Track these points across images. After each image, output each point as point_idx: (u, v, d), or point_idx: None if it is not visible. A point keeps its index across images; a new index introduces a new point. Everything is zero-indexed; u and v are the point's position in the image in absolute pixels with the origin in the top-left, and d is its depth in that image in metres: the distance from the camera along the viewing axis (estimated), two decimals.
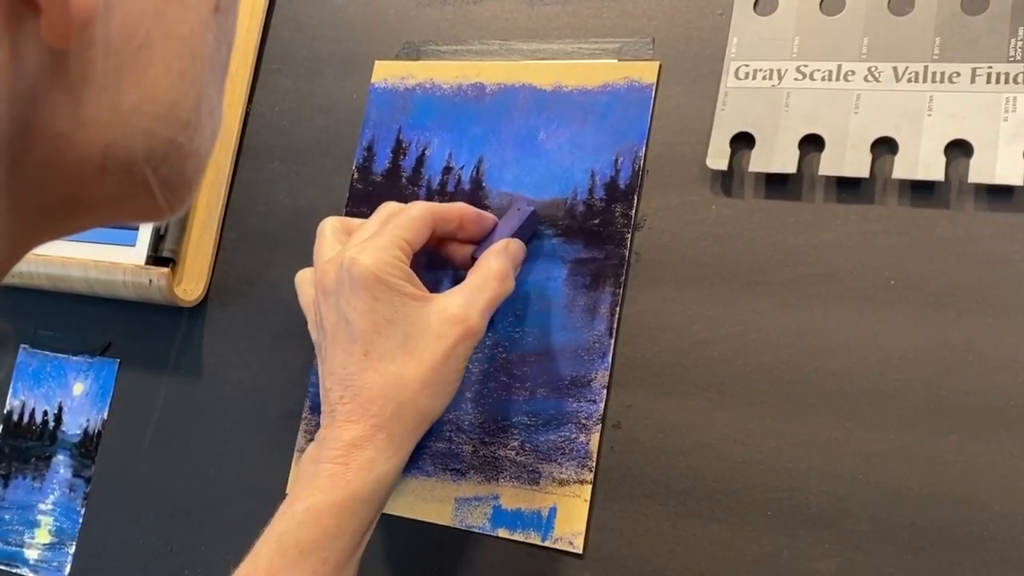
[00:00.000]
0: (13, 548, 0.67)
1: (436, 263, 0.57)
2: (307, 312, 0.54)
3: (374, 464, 0.48)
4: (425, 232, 0.52)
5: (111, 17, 0.25)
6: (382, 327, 0.49)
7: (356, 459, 0.47)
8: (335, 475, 0.47)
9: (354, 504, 0.47)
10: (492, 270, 0.52)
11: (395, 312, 0.49)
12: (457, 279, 0.55)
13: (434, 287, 0.55)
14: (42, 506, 0.67)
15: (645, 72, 0.56)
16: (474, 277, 0.52)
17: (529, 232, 0.55)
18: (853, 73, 0.51)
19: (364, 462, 0.48)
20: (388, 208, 0.54)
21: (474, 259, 0.54)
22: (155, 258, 0.64)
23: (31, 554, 0.66)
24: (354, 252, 0.50)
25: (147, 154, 0.27)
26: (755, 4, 0.54)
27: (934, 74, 0.50)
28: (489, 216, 0.55)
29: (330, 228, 0.54)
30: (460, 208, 0.55)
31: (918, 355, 0.48)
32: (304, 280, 0.55)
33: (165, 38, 0.27)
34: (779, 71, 0.53)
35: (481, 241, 0.55)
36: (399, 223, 0.51)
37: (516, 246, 0.54)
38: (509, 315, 0.56)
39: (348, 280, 0.49)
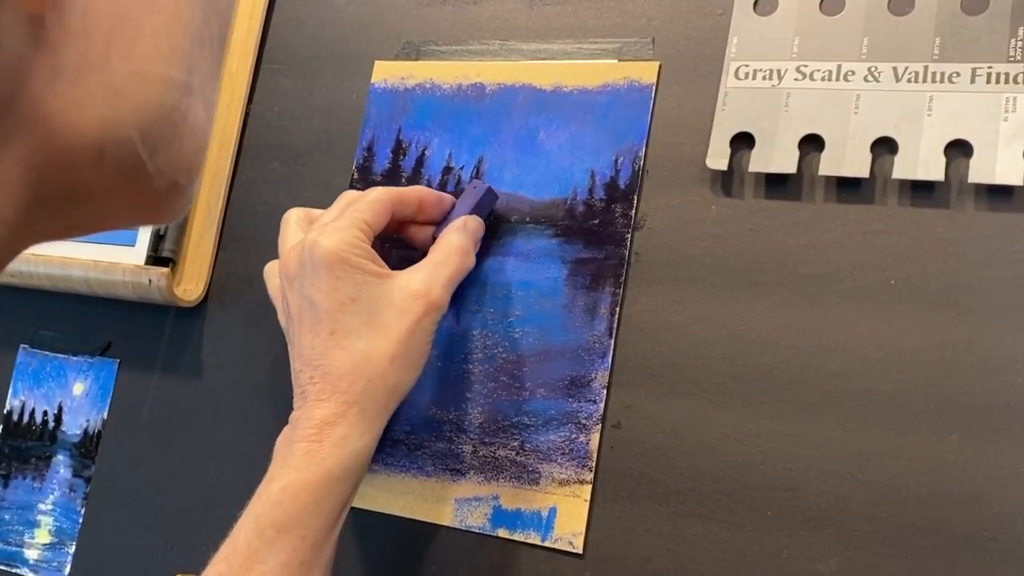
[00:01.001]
0: (13, 548, 0.67)
1: (400, 253, 0.57)
2: (276, 302, 0.55)
3: (347, 440, 0.48)
4: (384, 215, 0.53)
5: None
6: (346, 305, 0.50)
7: (330, 436, 0.48)
8: (310, 453, 0.48)
9: (330, 481, 0.48)
10: (453, 245, 0.53)
11: (358, 290, 0.50)
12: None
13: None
14: (42, 506, 0.67)
15: (645, 72, 0.56)
16: (435, 253, 0.53)
17: (486, 209, 0.56)
18: (853, 73, 0.51)
19: (338, 438, 0.48)
20: (348, 195, 0.55)
21: (435, 239, 0.55)
22: (155, 258, 0.64)
23: (31, 554, 0.66)
24: (315, 235, 0.51)
25: (142, 132, 0.26)
26: (755, 4, 0.54)
27: (934, 74, 0.50)
28: (447, 197, 0.57)
29: (294, 218, 0.55)
30: (419, 191, 0.56)
31: (918, 355, 0.48)
32: (271, 272, 0.56)
33: (149, 10, 0.26)
34: (779, 71, 0.53)
35: (440, 222, 0.56)
36: (358, 206, 0.53)
37: (474, 222, 0.55)
38: (509, 315, 0.56)
39: (310, 262, 0.50)
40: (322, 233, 0.51)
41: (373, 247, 0.52)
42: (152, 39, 0.26)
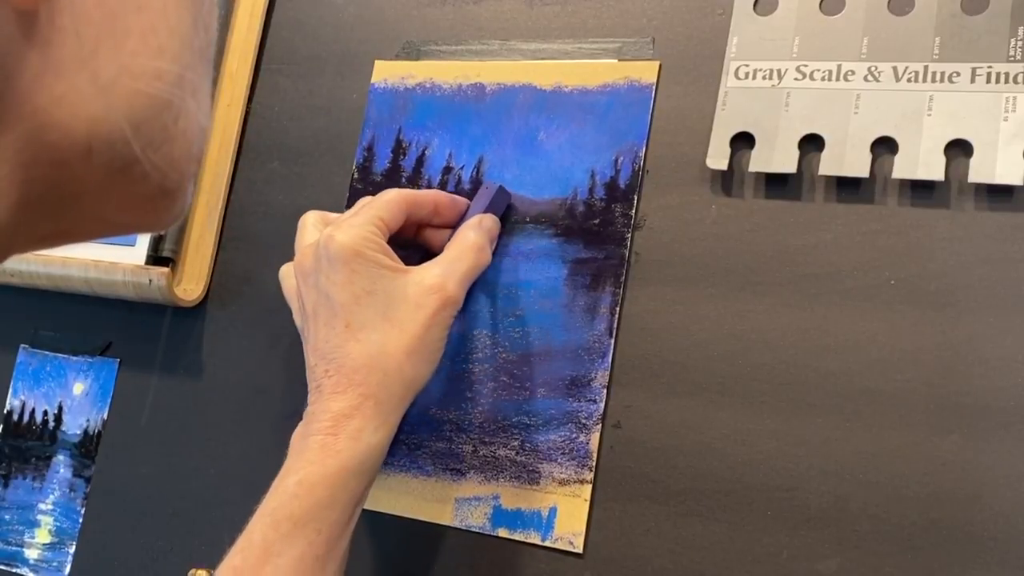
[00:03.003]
0: (13, 548, 0.67)
1: (418, 256, 0.57)
2: (291, 303, 0.55)
3: (363, 433, 0.48)
4: (399, 214, 0.53)
5: None
6: (362, 298, 0.50)
7: (345, 429, 0.48)
8: (325, 446, 0.48)
9: (345, 474, 0.48)
10: (468, 242, 0.53)
11: (374, 283, 0.50)
12: None
13: None
14: (42, 506, 0.67)
15: (645, 72, 0.56)
16: (451, 249, 0.53)
17: (501, 208, 0.57)
18: (853, 73, 0.51)
19: (353, 431, 0.48)
20: (364, 199, 0.56)
21: None
22: (155, 258, 0.64)
23: (31, 554, 0.66)
24: (330, 230, 0.51)
25: (133, 126, 0.27)
26: (755, 4, 0.54)
27: (934, 74, 0.50)
28: (462, 200, 0.57)
29: (311, 220, 0.56)
30: (434, 194, 0.56)
31: (918, 355, 0.48)
32: (286, 273, 0.56)
33: (137, 9, 0.26)
34: (779, 71, 0.53)
35: (456, 225, 0.56)
36: (374, 204, 0.53)
37: (490, 220, 0.55)
38: (509, 315, 0.56)
39: (326, 257, 0.51)
40: (337, 228, 0.51)
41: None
42: (140, 38, 0.26)
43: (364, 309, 0.50)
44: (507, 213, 0.57)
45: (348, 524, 0.48)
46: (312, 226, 0.55)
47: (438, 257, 0.53)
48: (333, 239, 0.50)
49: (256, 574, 0.46)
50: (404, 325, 0.50)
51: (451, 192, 0.59)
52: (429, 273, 0.51)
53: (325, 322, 0.50)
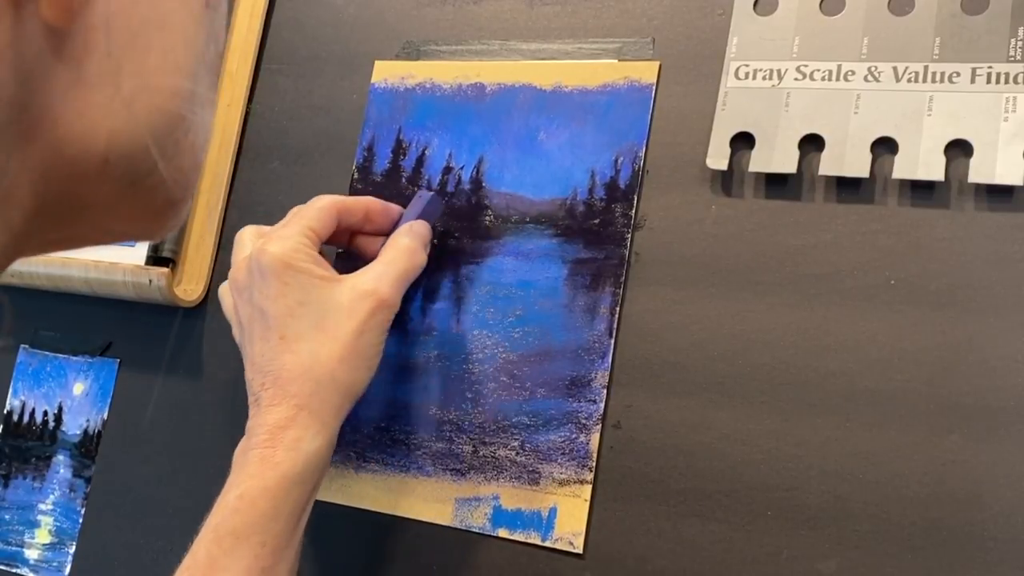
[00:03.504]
0: (13, 548, 0.67)
1: (351, 265, 0.58)
2: (230, 319, 0.56)
3: (300, 443, 0.48)
4: (330, 222, 0.54)
5: None
6: (295, 309, 0.50)
7: (283, 440, 0.48)
8: (264, 459, 0.48)
9: (286, 485, 0.48)
10: (400, 246, 0.54)
11: (306, 294, 0.50)
12: None
13: None
14: (42, 506, 0.67)
15: (645, 72, 0.56)
16: (383, 254, 0.54)
17: (434, 215, 0.57)
18: (853, 73, 0.51)
19: (291, 442, 0.48)
20: (295, 208, 0.56)
21: None
22: (155, 258, 0.64)
23: (31, 554, 0.66)
24: (261, 243, 0.52)
25: (154, 144, 0.27)
26: (755, 4, 0.54)
27: (934, 74, 0.50)
28: (395, 207, 0.57)
29: (247, 235, 0.56)
30: (366, 201, 0.56)
31: (918, 355, 0.48)
32: (224, 291, 0.56)
33: (160, 27, 0.27)
34: (779, 71, 0.53)
35: (390, 232, 0.56)
36: (304, 214, 0.53)
37: (420, 225, 0.56)
38: (509, 315, 0.56)
39: (258, 271, 0.51)
40: (268, 241, 0.51)
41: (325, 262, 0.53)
42: (160, 55, 0.27)
43: (297, 320, 0.50)
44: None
45: (294, 534, 0.48)
46: (248, 240, 0.55)
47: (372, 263, 0.53)
48: (264, 252, 0.51)
49: None
50: (337, 332, 0.50)
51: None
52: (361, 279, 0.52)
53: (260, 336, 0.51)
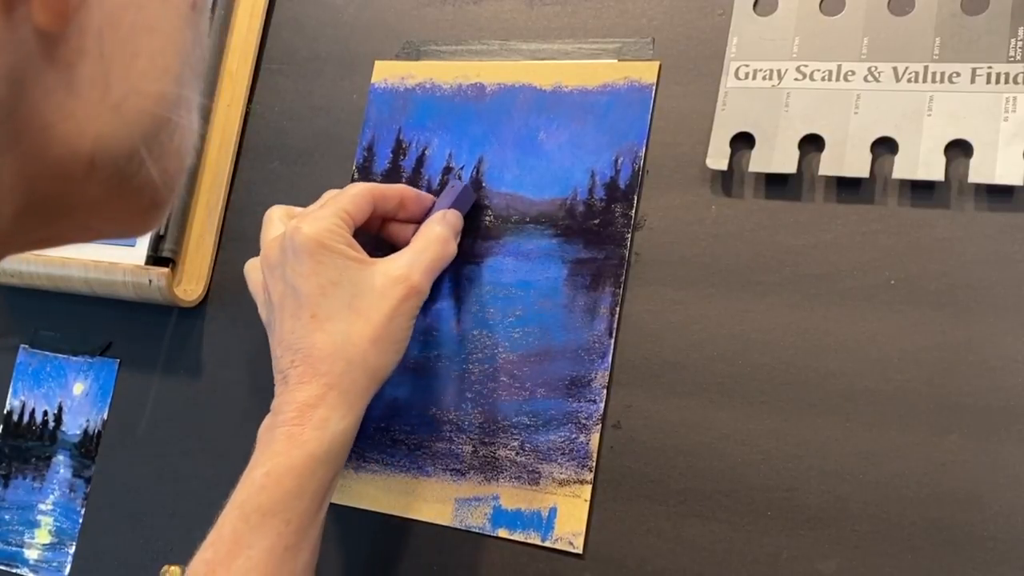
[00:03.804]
0: (13, 548, 0.67)
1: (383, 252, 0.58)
2: (256, 297, 0.56)
3: (328, 422, 0.49)
4: (365, 207, 0.54)
5: (103, 2, 0.25)
6: (327, 289, 0.50)
7: (311, 419, 0.48)
8: (292, 436, 0.48)
9: (312, 463, 0.48)
10: (433, 234, 0.54)
11: (339, 274, 0.51)
12: None
13: None
14: (42, 506, 0.67)
15: (645, 72, 0.56)
16: (416, 242, 0.54)
17: (466, 206, 0.57)
18: (853, 73, 0.51)
19: (319, 421, 0.48)
20: (330, 192, 0.56)
21: None
22: (155, 258, 0.64)
23: (31, 554, 0.66)
24: (296, 222, 0.52)
25: (143, 144, 0.27)
26: (755, 4, 0.54)
27: (934, 74, 0.50)
28: (428, 196, 0.57)
29: (277, 214, 0.56)
30: (400, 188, 0.57)
31: (918, 355, 0.48)
32: (252, 267, 0.57)
33: (148, 31, 0.27)
34: (779, 71, 0.53)
35: (421, 220, 0.56)
36: (340, 198, 0.54)
37: (453, 215, 0.56)
38: (509, 315, 0.56)
39: (292, 249, 0.51)
40: (303, 220, 0.52)
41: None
42: (149, 59, 0.27)
43: (330, 300, 0.50)
44: (475, 211, 0.58)
45: (318, 513, 0.49)
46: (278, 219, 0.56)
47: (404, 249, 0.54)
48: (299, 231, 0.51)
49: (227, 567, 0.46)
50: (369, 314, 0.50)
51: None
52: (394, 264, 0.52)
53: (291, 313, 0.51)
